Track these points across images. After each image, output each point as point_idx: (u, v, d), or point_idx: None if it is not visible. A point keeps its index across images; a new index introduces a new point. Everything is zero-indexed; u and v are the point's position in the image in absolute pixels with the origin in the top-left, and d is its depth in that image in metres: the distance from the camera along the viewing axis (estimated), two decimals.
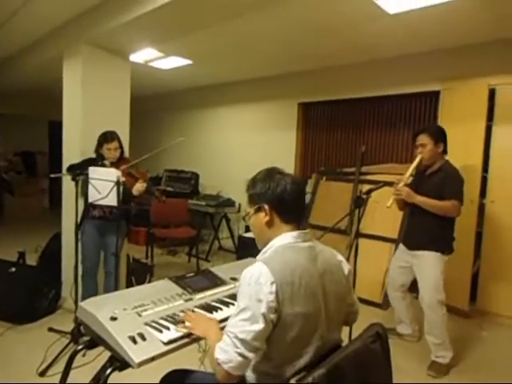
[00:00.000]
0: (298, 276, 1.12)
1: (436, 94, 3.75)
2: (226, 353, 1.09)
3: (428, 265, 2.58)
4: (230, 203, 5.22)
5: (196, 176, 5.66)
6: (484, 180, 3.44)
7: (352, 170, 4.45)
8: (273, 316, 1.08)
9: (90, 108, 3.27)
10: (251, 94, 5.46)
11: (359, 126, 4.51)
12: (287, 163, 5.09)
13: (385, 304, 3.75)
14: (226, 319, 1.37)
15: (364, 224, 4.12)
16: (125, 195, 2.78)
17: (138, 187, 2.82)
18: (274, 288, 1.08)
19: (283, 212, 1.24)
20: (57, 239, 3.68)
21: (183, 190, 5.52)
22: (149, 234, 4.40)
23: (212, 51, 4.31)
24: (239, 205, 5.35)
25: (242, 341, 1.07)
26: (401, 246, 2.86)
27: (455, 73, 3.58)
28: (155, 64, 4.77)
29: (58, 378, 1.62)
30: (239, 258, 4.31)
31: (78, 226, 2.73)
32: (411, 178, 2.67)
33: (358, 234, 4.06)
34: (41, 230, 4.94)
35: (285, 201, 1.23)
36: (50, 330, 2.84)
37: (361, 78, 4.32)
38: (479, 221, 3.47)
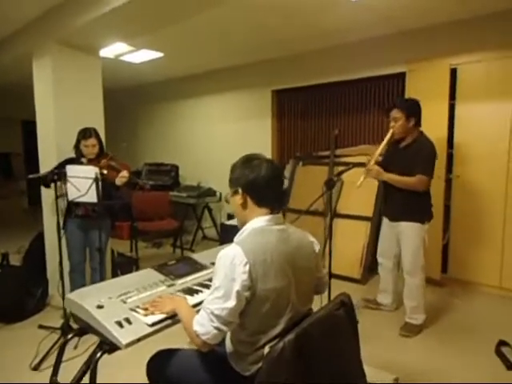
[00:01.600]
0: (270, 255, 1.23)
1: (403, 75, 3.88)
2: (203, 326, 1.21)
3: (409, 234, 2.74)
4: (210, 193, 5.31)
5: (176, 168, 5.72)
6: (450, 156, 3.62)
7: (327, 153, 4.59)
8: (247, 293, 1.19)
9: (62, 106, 3.28)
10: (225, 84, 5.50)
11: (332, 111, 4.64)
12: (265, 150, 5.18)
13: (364, 279, 3.95)
14: None
15: (340, 205, 4.31)
16: (107, 189, 2.84)
17: (121, 177, 2.85)
18: (247, 268, 1.19)
19: (256, 196, 1.35)
20: (40, 239, 3.70)
21: (164, 183, 5.57)
22: (132, 228, 4.45)
23: (182, 43, 4.32)
24: (220, 194, 5.44)
25: (217, 316, 1.19)
26: (384, 218, 3.02)
27: (419, 54, 3.72)
28: (126, 58, 4.75)
29: (50, 372, 1.72)
30: (222, 244, 4.42)
31: (59, 225, 2.78)
32: (381, 156, 2.80)
33: (335, 215, 4.25)
34: (22, 231, 4.93)
35: (258, 185, 1.33)
36: (40, 327, 2.91)
37: (330, 63, 4.42)
38: (447, 195, 3.67)
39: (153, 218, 4.67)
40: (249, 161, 1.38)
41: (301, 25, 3.73)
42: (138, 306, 1.48)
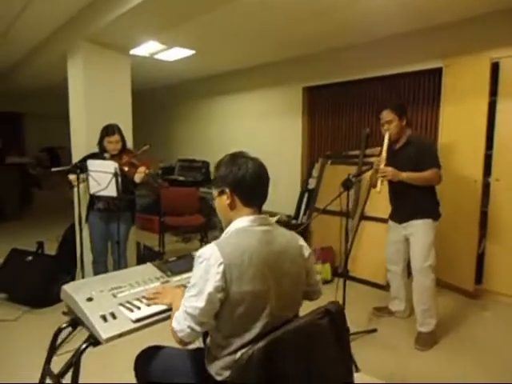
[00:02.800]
0: (248, 257, 1.18)
1: (439, 71, 3.63)
2: (179, 323, 1.20)
3: (420, 232, 2.66)
4: None
5: (207, 165, 5.78)
6: (488, 158, 3.34)
7: (357, 152, 4.41)
8: (220, 295, 1.16)
9: (92, 103, 3.42)
10: (256, 81, 5.47)
11: (364, 108, 4.45)
12: (295, 148, 5.11)
13: (388, 285, 3.76)
14: None
15: (369, 207, 4.13)
16: (127, 185, 2.93)
17: (139, 174, 2.93)
18: (221, 269, 1.15)
19: (244, 195, 1.30)
20: (72, 229, 3.89)
21: (195, 179, 5.66)
22: (160, 223, 4.56)
23: (213, 40, 4.35)
24: None
25: (190, 315, 1.17)
26: (390, 223, 2.90)
27: (456, 48, 3.47)
28: (160, 56, 4.87)
29: (67, 356, 1.78)
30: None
31: (80, 218, 2.91)
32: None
33: (363, 217, 4.09)
34: (64, 221, 5.23)
35: (245, 184, 1.29)
36: (64, 313, 3.05)
37: (362, 59, 4.24)
38: (484, 200, 3.39)
39: (181, 213, 4.75)
40: (235, 158, 1.35)
41: (330, 20, 3.60)
42: (127, 301, 1.50)
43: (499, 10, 3.20)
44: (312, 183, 4.75)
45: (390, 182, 2.72)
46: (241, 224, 1.28)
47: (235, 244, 1.22)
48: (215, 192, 1.37)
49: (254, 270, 1.19)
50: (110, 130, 3.01)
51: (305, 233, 4.51)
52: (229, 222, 1.34)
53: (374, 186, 2.72)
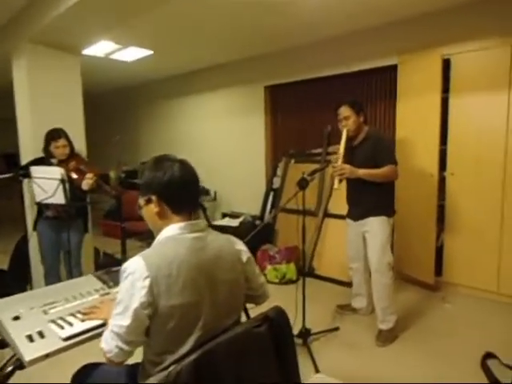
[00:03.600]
0: (176, 268, 1.11)
1: (395, 68, 3.68)
2: (107, 343, 1.12)
3: (376, 229, 2.66)
4: (203, 192, 5.22)
5: None
6: (443, 153, 3.40)
7: (320, 150, 4.42)
8: (147, 311, 1.08)
9: (39, 107, 3.25)
10: (218, 81, 5.40)
11: (325, 106, 4.44)
12: (259, 147, 5.07)
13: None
14: None
15: (332, 204, 4.14)
16: (76, 191, 2.80)
17: (87, 181, 2.80)
18: (147, 282, 1.08)
19: (172, 201, 1.22)
20: (25, 240, 3.69)
21: None
22: (121, 229, 4.40)
23: (171, 40, 4.24)
24: (215, 193, 5.35)
25: (117, 334, 1.09)
26: (348, 220, 2.90)
27: (410, 45, 3.52)
28: (117, 56, 4.71)
29: None
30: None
31: (26, 228, 2.75)
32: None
33: (326, 215, 4.09)
34: (17, 232, 4.98)
35: (172, 189, 1.21)
36: None
37: (322, 57, 4.25)
38: (441, 194, 3.45)
39: (138, 218, 4.59)
40: (159, 162, 1.25)
41: (289, 18, 3.57)
42: (60, 317, 1.40)
43: (451, 7, 3.27)
44: (277, 182, 4.72)
45: (348, 179, 2.73)
46: (170, 232, 1.20)
47: (162, 254, 1.14)
48: (141, 201, 1.27)
49: (184, 280, 1.11)
50: (55, 135, 2.86)
51: (270, 232, 4.48)
52: (159, 232, 1.25)
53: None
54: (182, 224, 1.21)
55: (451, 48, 3.27)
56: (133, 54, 4.64)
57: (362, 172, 2.56)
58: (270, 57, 4.71)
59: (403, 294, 3.45)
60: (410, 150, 3.56)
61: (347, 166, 2.54)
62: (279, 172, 4.72)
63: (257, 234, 4.23)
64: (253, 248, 4.03)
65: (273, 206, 4.71)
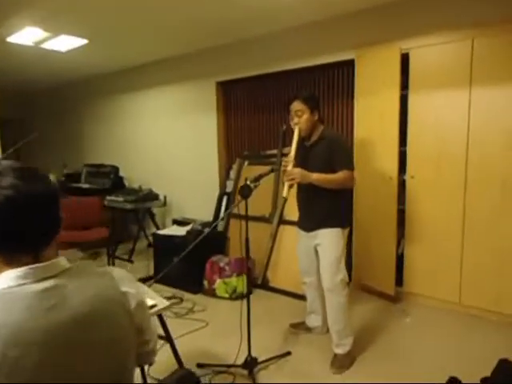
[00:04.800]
0: (4, 342, 0.72)
1: (353, 63, 3.41)
2: None
3: (328, 242, 2.36)
4: (152, 197, 4.77)
5: (115, 169, 5.15)
6: (403, 154, 3.17)
7: (275, 151, 4.10)
8: None
9: None
10: (167, 76, 4.96)
11: (281, 104, 4.13)
12: (211, 148, 4.69)
13: None
14: None
15: (288, 210, 3.83)
16: None
17: None
18: None
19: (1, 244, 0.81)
20: None
21: (102, 186, 5.01)
22: None
23: (107, 27, 3.77)
24: (165, 197, 4.92)
25: None
26: (299, 231, 2.59)
27: (368, 38, 3.26)
28: (48, 46, 4.19)
29: None
30: (155, 257, 3.91)
31: None
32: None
33: (282, 221, 3.77)
34: None
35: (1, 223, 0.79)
36: None
37: (276, 50, 3.93)
38: (401, 198, 3.23)
39: (81, 226, 4.12)
40: None
41: (236, 6, 3.21)
42: None
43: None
44: (230, 186, 4.36)
45: (299, 184, 2.42)
46: (2, 285, 0.79)
47: None
48: None
49: (19, 361, 0.73)
50: None
51: (222, 241, 4.11)
52: None
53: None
54: (20, 270, 0.79)
55: (410, 42, 3.04)
56: (67, 43, 4.13)
57: (315, 177, 2.26)
58: (221, 50, 4.34)
59: (362, 306, 3.20)
60: (368, 151, 3.32)
61: (297, 171, 2.24)
62: (232, 175, 4.37)
63: (207, 243, 3.87)
64: (202, 259, 3.67)
65: (228, 212, 4.35)
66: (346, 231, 2.44)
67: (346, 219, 2.45)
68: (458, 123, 2.90)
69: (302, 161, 2.40)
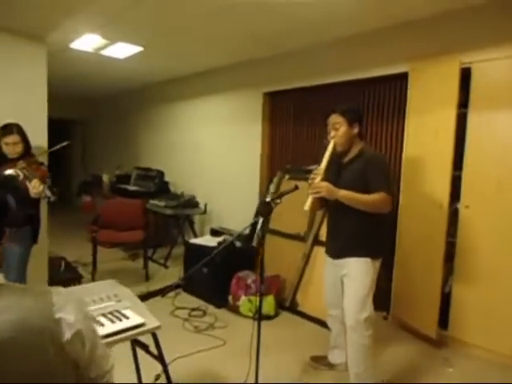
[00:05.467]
0: None
1: (405, 76, 3.13)
2: None
3: (355, 274, 2.11)
4: (192, 204, 4.78)
5: (161, 174, 5.26)
6: (457, 180, 2.81)
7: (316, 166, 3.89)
8: None
9: None
10: (215, 86, 5.00)
11: (326, 117, 3.92)
12: (254, 159, 4.60)
13: None
14: None
15: (324, 231, 3.59)
16: (22, 197, 2.48)
17: (33, 188, 2.43)
18: None
19: None
20: None
21: (148, 189, 5.13)
22: (92, 239, 4.04)
23: (161, 37, 3.88)
24: (205, 205, 4.90)
25: None
26: (326, 257, 2.36)
27: (423, 49, 2.96)
28: (107, 52, 4.40)
29: None
30: (185, 266, 3.87)
31: None
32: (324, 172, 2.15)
33: (316, 242, 3.55)
34: None
35: None
36: None
37: (323, 62, 3.75)
38: (451, 229, 2.85)
39: (121, 227, 4.23)
40: None
41: (287, 18, 3.12)
42: None
43: (472, 5, 2.70)
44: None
45: (328, 203, 2.22)
46: None
47: None
48: None
49: None
50: (7, 130, 2.63)
51: (254, 256, 3.96)
52: None
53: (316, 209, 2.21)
54: None
55: (472, 55, 2.70)
56: (123, 50, 4.31)
57: (343, 193, 2.04)
58: (269, 61, 4.26)
59: (397, 346, 2.86)
60: (418, 174, 3.00)
61: (325, 184, 2.03)
62: (272, 188, 4.21)
63: (238, 257, 3.76)
64: (231, 274, 3.55)
65: (263, 227, 4.19)
66: (378, 263, 2.17)
67: (377, 249, 2.17)
68: None
69: (334, 178, 2.20)
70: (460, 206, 2.82)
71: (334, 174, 2.22)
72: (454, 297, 2.88)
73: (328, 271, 2.37)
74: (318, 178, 2.06)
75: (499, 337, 2.66)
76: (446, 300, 2.90)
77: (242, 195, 4.72)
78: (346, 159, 2.22)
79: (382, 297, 3.28)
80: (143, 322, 1.44)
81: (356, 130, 2.18)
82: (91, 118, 8.17)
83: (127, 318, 1.47)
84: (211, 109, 5.17)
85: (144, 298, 3.45)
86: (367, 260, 2.09)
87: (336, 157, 2.25)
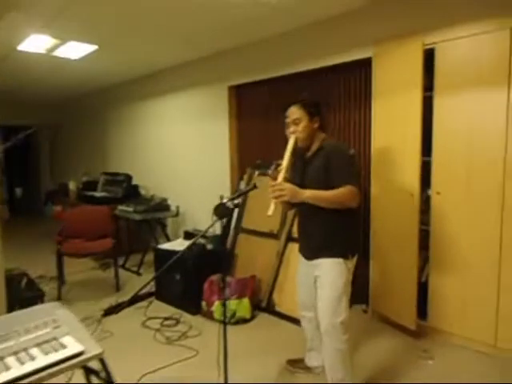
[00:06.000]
0: None
1: (370, 61, 3.01)
2: None
3: (327, 277, 1.99)
4: (163, 207, 4.59)
5: (128, 178, 5.05)
6: (426, 166, 2.72)
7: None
8: None
9: None
10: (180, 82, 4.81)
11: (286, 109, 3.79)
12: (223, 156, 4.44)
13: None
14: None
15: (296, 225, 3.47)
16: None
17: None
18: None
19: None
20: None
21: (115, 195, 4.92)
22: (57, 251, 3.81)
23: (119, 33, 3.65)
24: (177, 207, 4.72)
25: None
26: (300, 257, 2.23)
27: (387, 33, 2.85)
28: (60, 53, 4.16)
29: None
30: (156, 273, 3.70)
31: None
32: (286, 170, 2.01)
33: (290, 239, 3.43)
34: None
35: None
36: None
37: (287, 51, 3.61)
38: (424, 217, 2.77)
39: (87, 236, 4.01)
40: None
41: (248, 5, 2.96)
42: None
43: None
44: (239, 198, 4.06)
45: (297, 203, 2.09)
46: None
47: None
48: None
49: None
50: None
51: (228, 258, 3.82)
52: None
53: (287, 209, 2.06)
54: None
55: (435, 35, 2.60)
56: (76, 49, 4.07)
57: (309, 194, 1.90)
58: (233, 53, 4.10)
59: (377, 340, 2.78)
60: (386, 163, 2.91)
61: (288, 186, 1.88)
62: (242, 186, 4.08)
63: (211, 260, 3.61)
64: (205, 278, 3.39)
65: (236, 226, 4.05)
66: (352, 262, 2.04)
67: (350, 247, 2.04)
68: (494, 129, 2.42)
69: (299, 177, 2.08)
70: (431, 192, 2.74)
71: (299, 172, 2.10)
72: (431, 286, 2.81)
73: (301, 271, 2.24)
74: (280, 179, 1.92)
75: (476, 325, 2.60)
76: (423, 290, 2.82)
77: (214, 194, 4.54)
78: (309, 154, 2.09)
79: (360, 290, 3.20)
80: (82, 350, 1.28)
81: (317, 124, 2.06)
82: (58, 123, 7.84)
83: (64, 346, 1.30)
84: (178, 106, 4.98)
85: (109, 312, 3.31)
86: (340, 261, 1.97)
87: (299, 152, 2.13)
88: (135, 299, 3.49)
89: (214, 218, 1.99)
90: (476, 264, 2.58)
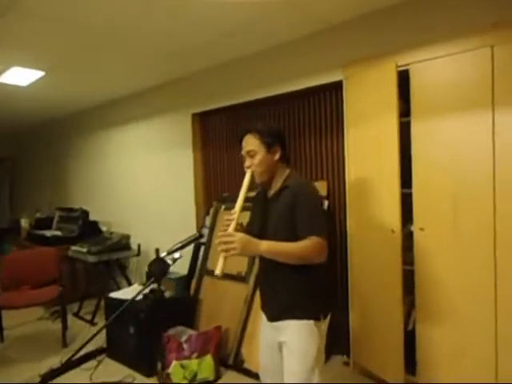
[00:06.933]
0: None
1: (341, 85, 2.77)
2: None
3: (295, 345, 1.60)
4: (122, 246, 4.13)
5: (85, 214, 4.58)
6: (407, 199, 2.42)
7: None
8: None
9: None
10: (140, 110, 4.49)
11: (241, 138, 3.50)
12: (188, 189, 4.07)
13: None
14: None
15: None
16: None
17: None
18: None
19: None
20: None
21: (70, 233, 4.43)
22: None
23: (67, 57, 3.32)
24: (139, 246, 4.26)
25: None
26: (262, 315, 1.84)
27: (357, 55, 2.61)
28: (8, 80, 3.79)
29: None
30: (108, 325, 3.21)
31: None
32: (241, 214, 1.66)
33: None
34: None
35: None
36: None
37: (253, 75, 3.35)
38: (408, 256, 2.44)
39: (29, 283, 3.51)
40: None
41: (209, 29, 2.71)
42: None
43: (393, 5, 2.40)
44: (206, 235, 3.68)
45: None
46: None
47: None
48: None
49: None
50: None
51: (192, 306, 3.37)
52: None
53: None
54: None
55: (409, 55, 2.36)
56: (22, 76, 3.71)
57: (265, 247, 1.53)
58: (195, 78, 3.82)
59: None
60: (362, 196, 2.60)
61: (239, 237, 1.50)
62: (208, 221, 3.69)
63: (170, 309, 3.16)
64: (161, 331, 2.90)
65: (201, 267, 3.63)
66: (325, 324, 1.67)
67: (321, 306, 1.67)
68: (480, 157, 2.14)
69: (259, 221, 1.73)
70: (414, 228, 2.42)
71: (259, 216, 1.75)
72: (419, 335, 2.44)
73: (264, 331, 1.84)
74: (232, 226, 1.55)
75: (473, 377, 2.24)
76: (410, 339, 2.46)
77: (178, 231, 4.10)
78: (271, 193, 1.75)
79: (340, 339, 2.83)
80: None
81: (277, 156, 1.70)
82: (18, 155, 7.36)
83: None
84: (140, 135, 4.62)
85: (46, 378, 2.79)
86: (310, 323, 1.59)
87: (261, 191, 1.79)
88: (82, 359, 2.99)
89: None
90: (464, 309, 2.24)
